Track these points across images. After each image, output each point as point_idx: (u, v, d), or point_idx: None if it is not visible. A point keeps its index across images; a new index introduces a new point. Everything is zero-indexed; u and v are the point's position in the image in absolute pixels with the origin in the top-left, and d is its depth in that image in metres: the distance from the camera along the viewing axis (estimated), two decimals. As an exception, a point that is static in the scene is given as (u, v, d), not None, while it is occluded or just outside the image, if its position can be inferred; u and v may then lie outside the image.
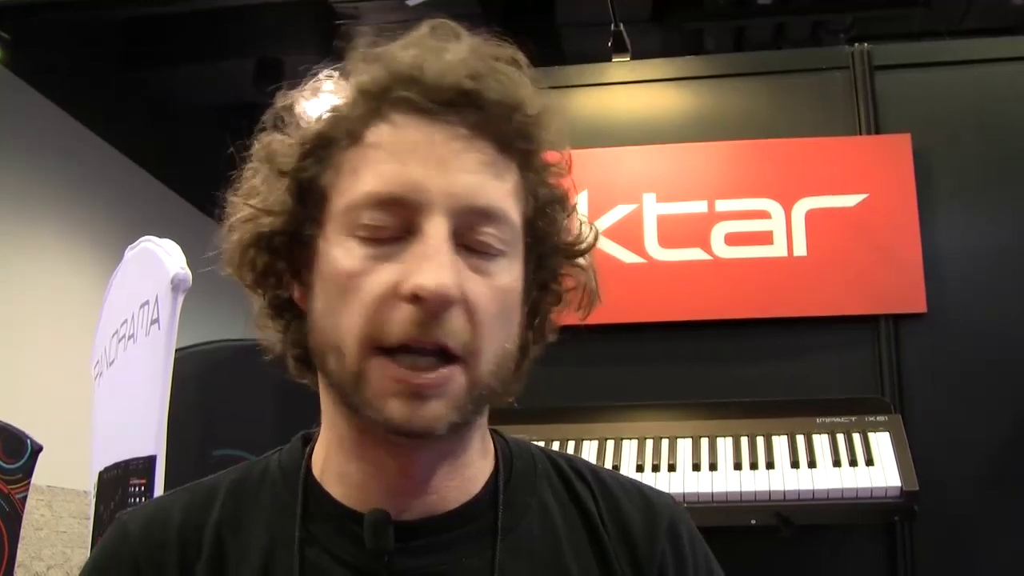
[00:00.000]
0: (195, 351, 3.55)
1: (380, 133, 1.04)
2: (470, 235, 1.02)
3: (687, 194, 3.15)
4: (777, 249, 3.08)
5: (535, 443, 1.25)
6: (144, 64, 7.57)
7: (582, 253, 1.18)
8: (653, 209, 3.14)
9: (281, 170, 1.09)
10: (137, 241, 3.05)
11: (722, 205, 3.13)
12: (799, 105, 3.24)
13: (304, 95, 1.13)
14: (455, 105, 1.04)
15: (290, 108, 1.13)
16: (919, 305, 3.00)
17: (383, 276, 1.00)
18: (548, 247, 1.14)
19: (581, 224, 1.19)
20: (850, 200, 3.08)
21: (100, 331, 3.41)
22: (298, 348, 1.13)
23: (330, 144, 1.07)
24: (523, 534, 1.13)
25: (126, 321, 3.02)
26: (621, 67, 3.45)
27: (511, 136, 1.06)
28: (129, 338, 2.97)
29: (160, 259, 2.77)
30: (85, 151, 7.40)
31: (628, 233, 3.12)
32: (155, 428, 2.66)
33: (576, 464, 1.23)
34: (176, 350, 3.52)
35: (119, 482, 2.83)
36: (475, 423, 1.11)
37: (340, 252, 1.03)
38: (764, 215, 3.10)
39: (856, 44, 3.23)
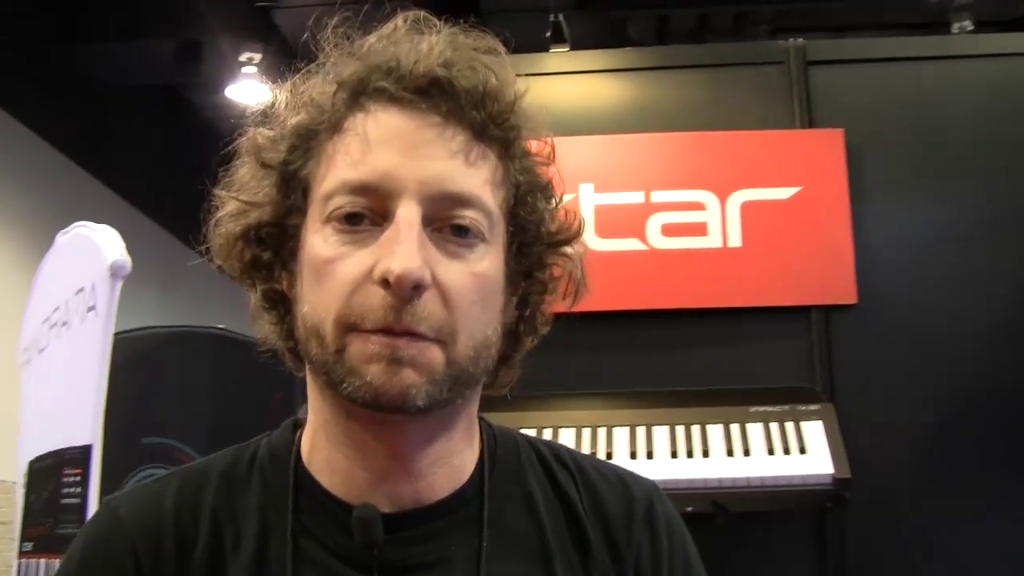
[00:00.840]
0: (125, 337, 3.49)
1: (357, 123, 1.06)
2: (444, 222, 1.04)
3: (624, 185, 3.18)
4: (712, 240, 3.12)
5: (521, 431, 1.26)
6: (62, 42, 7.41)
7: (566, 242, 1.19)
8: (590, 199, 3.16)
9: (266, 163, 1.11)
10: (70, 226, 2.99)
11: (658, 196, 3.16)
12: (735, 98, 3.27)
13: (285, 89, 1.14)
14: (428, 93, 1.05)
15: (273, 102, 1.14)
16: (850, 296, 3.06)
17: (357, 261, 1.01)
18: (530, 235, 1.14)
19: (567, 213, 1.19)
20: (784, 192, 3.13)
21: (28, 317, 3.35)
22: (291, 341, 1.14)
23: (312, 135, 1.09)
24: (508, 523, 1.14)
25: (59, 307, 2.97)
26: (560, 57, 3.48)
27: (485, 123, 1.07)
28: (62, 324, 2.92)
29: (97, 245, 2.72)
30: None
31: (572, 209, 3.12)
32: (91, 417, 2.62)
33: (558, 452, 1.25)
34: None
35: (52, 472, 2.78)
36: (459, 409, 1.11)
37: (318, 239, 1.05)
38: (700, 206, 3.14)
39: (791, 39, 3.27)
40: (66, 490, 2.69)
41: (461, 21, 1.13)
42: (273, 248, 1.12)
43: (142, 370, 3.50)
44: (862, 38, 5.66)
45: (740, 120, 3.22)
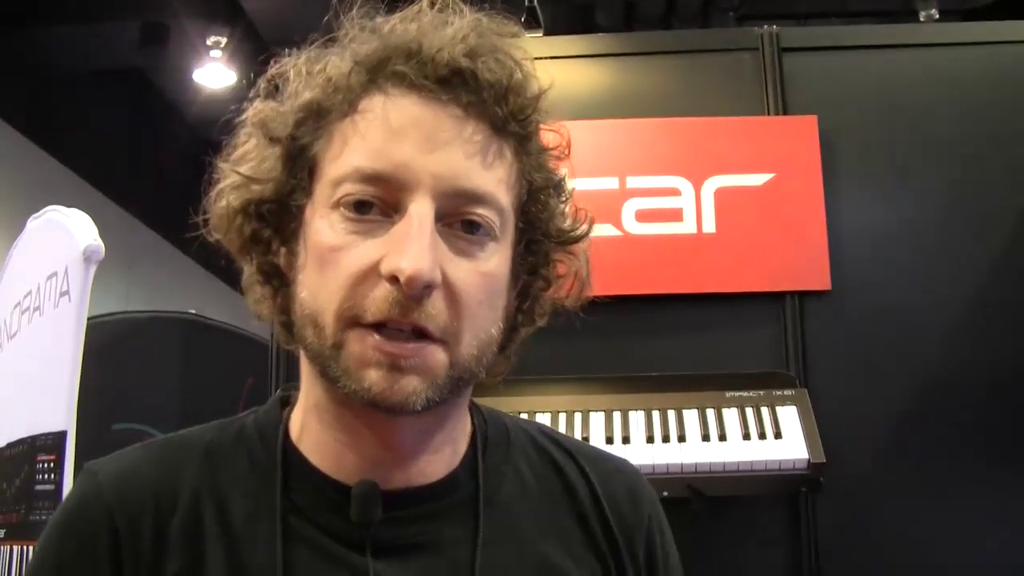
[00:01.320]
0: (96, 323, 3.48)
1: (373, 106, 1.04)
2: (456, 218, 1.03)
3: (598, 170, 3.17)
4: (687, 226, 3.12)
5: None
6: (23, 24, 7.33)
7: (575, 241, 1.19)
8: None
9: (274, 137, 1.09)
10: (42, 211, 2.97)
11: (633, 182, 3.16)
12: (710, 84, 3.28)
13: (298, 63, 1.11)
14: (450, 84, 1.03)
15: (284, 75, 1.12)
16: (823, 283, 3.07)
17: (364, 252, 1.00)
18: (539, 233, 1.14)
19: (577, 210, 1.19)
20: (758, 179, 3.14)
21: (-1, 303, 3.32)
22: (284, 315, 1.12)
23: (324, 113, 1.06)
24: (501, 504, 1.15)
25: (30, 293, 2.95)
26: (534, 43, 3.45)
27: (505, 118, 1.06)
28: (34, 310, 2.90)
29: (69, 230, 2.71)
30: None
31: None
32: (65, 403, 2.61)
33: (549, 433, 1.27)
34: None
35: (25, 458, 2.77)
36: (456, 401, 1.11)
37: (324, 224, 1.03)
38: (674, 192, 3.14)
39: (765, 26, 3.28)
40: (40, 476, 2.67)
41: (486, 4, 1.11)
42: (274, 225, 1.10)
43: (113, 356, 3.48)
44: (830, 26, 5.64)
45: (714, 106, 3.22)
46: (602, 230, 3.11)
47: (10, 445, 2.93)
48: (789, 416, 2.84)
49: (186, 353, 3.60)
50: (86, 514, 1.07)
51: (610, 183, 3.16)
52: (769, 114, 3.19)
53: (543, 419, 2.90)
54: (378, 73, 1.05)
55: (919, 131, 3.15)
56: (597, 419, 2.88)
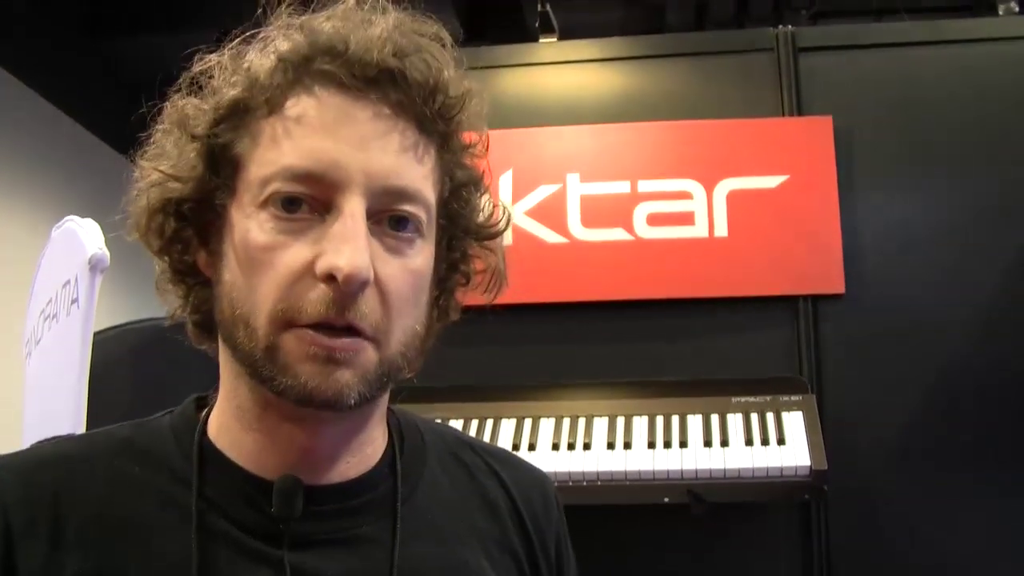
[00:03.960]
0: (127, 329, 3.54)
1: (300, 105, 1.03)
2: (385, 215, 1.03)
3: (610, 174, 3.17)
4: (699, 230, 3.10)
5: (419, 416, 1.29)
6: (104, 33, 7.51)
7: (493, 236, 1.20)
8: (577, 189, 3.16)
9: (193, 134, 1.08)
10: (62, 220, 3.05)
11: (645, 185, 3.14)
12: (724, 86, 3.25)
13: (221, 59, 1.11)
14: (378, 83, 1.04)
15: (206, 72, 1.11)
16: (837, 286, 3.03)
17: (297, 252, 1.00)
18: (460, 228, 1.15)
19: (494, 207, 1.20)
20: (771, 181, 3.10)
21: (30, 310, 3.41)
22: (198, 314, 1.13)
23: (246, 111, 1.05)
24: (419, 504, 1.16)
25: (51, 300, 3.03)
26: (547, 47, 3.46)
27: (432, 117, 1.07)
28: (52, 317, 2.98)
29: (80, 238, 2.77)
30: (44, 123, 7.35)
31: (552, 213, 3.13)
32: (74, 407, 2.67)
33: (459, 436, 1.29)
34: (108, 328, 3.53)
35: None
36: (378, 403, 1.13)
37: (253, 224, 1.02)
38: (686, 196, 3.12)
39: (780, 26, 3.25)
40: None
41: (407, 6, 1.11)
42: (195, 224, 1.10)
43: (144, 361, 3.54)
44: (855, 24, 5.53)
45: (728, 108, 3.20)
46: (613, 234, 3.11)
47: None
48: (794, 422, 2.80)
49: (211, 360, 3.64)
50: None
51: (622, 187, 3.15)
52: (784, 115, 3.16)
53: (547, 424, 2.90)
54: (304, 72, 1.04)
55: (935, 131, 3.09)
56: (600, 424, 2.88)
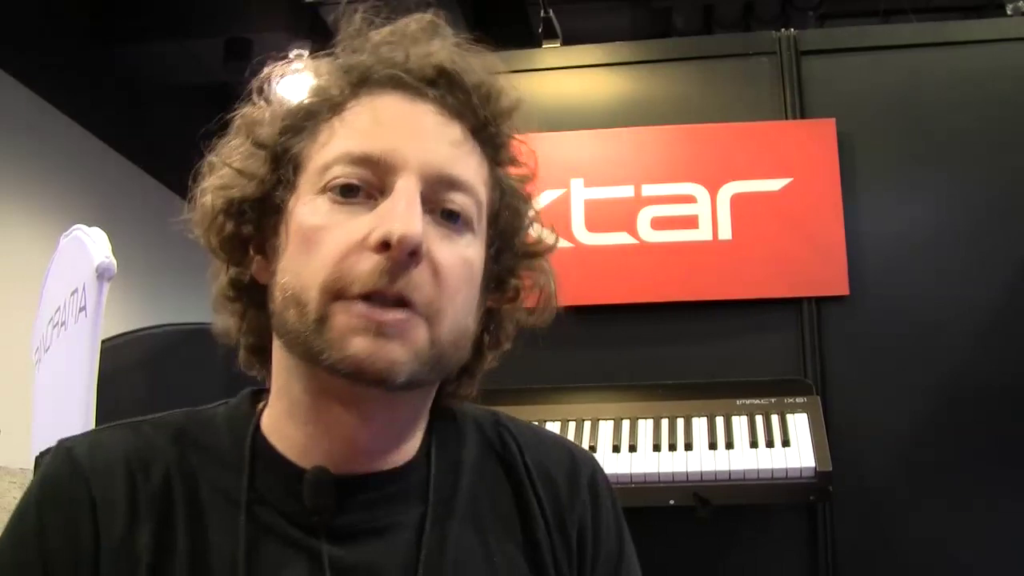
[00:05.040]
0: (142, 335, 3.57)
1: (361, 105, 1.09)
2: (439, 203, 1.06)
3: (614, 179, 3.18)
4: (703, 233, 3.11)
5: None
6: (113, 42, 7.56)
7: (541, 254, 1.22)
8: (580, 194, 3.17)
9: (261, 142, 1.12)
10: (70, 229, 3.07)
11: (648, 189, 3.16)
12: (726, 90, 3.26)
13: (287, 71, 1.17)
14: (435, 84, 1.09)
15: (271, 82, 1.16)
16: (841, 288, 3.03)
17: (351, 228, 1.03)
18: (508, 242, 1.18)
19: (543, 229, 1.23)
20: (775, 184, 3.11)
21: (39, 317, 3.44)
22: (252, 336, 1.16)
23: (310, 117, 1.10)
24: (454, 491, 1.17)
25: (59, 308, 3.05)
26: (550, 53, 3.47)
27: (485, 121, 1.11)
28: (61, 325, 3.00)
29: (87, 247, 2.79)
30: (51, 129, 7.39)
31: (556, 218, 3.11)
32: (82, 415, 2.68)
33: (500, 418, 1.29)
34: (122, 334, 3.55)
35: (50, 466, 2.86)
36: (424, 398, 1.15)
37: (309, 209, 1.06)
38: (690, 199, 3.13)
39: (783, 29, 3.25)
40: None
41: (468, 38, 1.16)
42: (254, 223, 1.13)
43: (159, 368, 3.56)
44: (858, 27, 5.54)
45: (731, 112, 3.21)
46: (617, 238, 3.12)
47: (42, 453, 3.04)
48: (799, 424, 2.81)
49: (232, 365, 3.66)
50: (64, 484, 1.09)
51: (625, 191, 3.16)
52: (787, 118, 3.16)
53: (552, 428, 2.90)
54: (366, 78, 1.10)
55: (939, 133, 3.09)
56: (606, 427, 2.89)
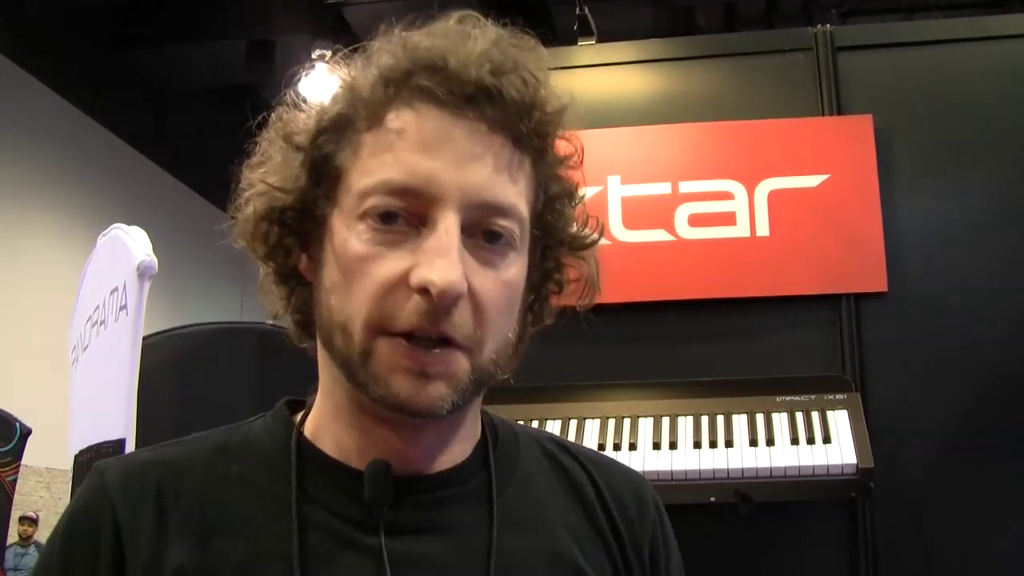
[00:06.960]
0: (172, 335, 3.57)
1: (400, 120, 1.06)
2: (480, 228, 1.05)
3: (651, 176, 3.18)
4: (740, 230, 3.11)
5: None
6: (135, 45, 7.59)
7: (587, 246, 1.21)
8: (618, 191, 3.17)
9: (297, 146, 1.11)
10: (108, 228, 3.08)
11: (686, 187, 3.15)
12: (763, 87, 3.26)
13: (321, 73, 1.17)
14: (475, 100, 1.05)
15: (304, 84, 1.16)
16: (880, 284, 3.03)
17: (392, 264, 1.02)
18: (554, 239, 1.17)
19: (588, 217, 1.22)
20: (812, 181, 3.10)
21: (76, 317, 3.45)
22: (299, 314, 1.17)
23: (348, 124, 1.09)
24: (511, 495, 1.17)
25: (98, 307, 3.06)
26: (586, 50, 3.47)
27: (528, 133, 1.08)
28: (100, 323, 3.01)
29: (127, 246, 2.80)
30: (78, 132, 7.42)
31: (593, 215, 3.14)
32: (124, 413, 2.70)
33: (555, 439, 1.30)
34: (153, 334, 3.56)
35: (90, 464, 2.87)
36: (472, 403, 1.14)
37: (351, 235, 1.05)
38: (727, 196, 3.13)
39: (819, 25, 3.25)
40: (103, 482, 2.76)
41: (507, 23, 1.13)
42: (296, 231, 1.13)
43: (188, 367, 3.57)
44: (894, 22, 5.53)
45: (767, 108, 3.20)
46: (655, 235, 3.12)
47: (82, 452, 3.06)
48: (839, 420, 2.80)
49: (259, 363, 3.67)
50: (91, 510, 1.11)
51: (663, 188, 3.16)
52: (824, 114, 3.16)
53: (592, 425, 2.92)
54: (403, 87, 1.07)
55: (977, 128, 3.08)
56: (645, 424, 2.89)
